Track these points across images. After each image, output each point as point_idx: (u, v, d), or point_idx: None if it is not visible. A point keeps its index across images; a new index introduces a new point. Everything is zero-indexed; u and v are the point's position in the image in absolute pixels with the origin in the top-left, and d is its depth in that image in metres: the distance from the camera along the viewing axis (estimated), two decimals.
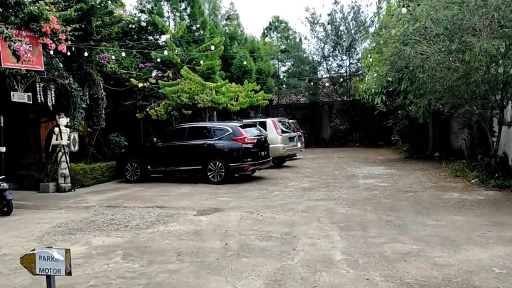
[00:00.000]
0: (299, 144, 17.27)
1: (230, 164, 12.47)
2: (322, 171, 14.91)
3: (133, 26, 17.09)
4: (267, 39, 29.87)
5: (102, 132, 15.37)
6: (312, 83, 27.53)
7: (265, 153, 13.33)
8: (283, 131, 16.21)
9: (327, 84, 28.62)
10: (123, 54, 15.96)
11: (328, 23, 25.79)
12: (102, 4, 13.39)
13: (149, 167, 13.49)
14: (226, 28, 22.70)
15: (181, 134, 13.35)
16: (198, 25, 17.92)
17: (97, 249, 6.35)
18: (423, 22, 10.34)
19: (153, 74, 16.91)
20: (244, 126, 13.05)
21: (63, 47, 11.72)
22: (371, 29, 25.14)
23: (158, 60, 16.65)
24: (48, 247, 2.92)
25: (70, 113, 13.21)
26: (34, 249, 2.95)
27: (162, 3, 17.55)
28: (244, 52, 21.34)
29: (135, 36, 17.10)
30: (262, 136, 13.32)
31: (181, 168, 13.10)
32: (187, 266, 5.40)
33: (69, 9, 12.25)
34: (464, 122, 12.99)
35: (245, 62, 20.64)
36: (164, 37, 17.91)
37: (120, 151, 14.60)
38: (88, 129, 14.70)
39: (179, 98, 15.58)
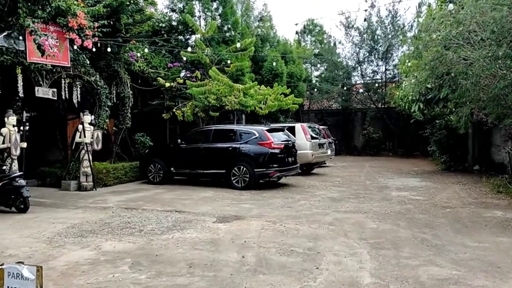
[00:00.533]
0: (329, 151, 16.57)
1: (255, 170, 11.94)
2: (352, 181, 14.17)
3: (163, 25, 16.87)
4: (300, 43, 29.26)
5: (128, 131, 15.20)
6: (345, 89, 26.70)
7: (293, 159, 12.73)
8: (312, 137, 15.55)
9: (361, 91, 27.72)
10: (149, 52, 15.75)
11: (364, 28, 24.93)
12: (132, 1, 13.17)
13: (172, 169, 13.13)
14: (259, 29, 22.22)
15: (206, 136, 12.94)
16: (229, 25, 17.52)
17: (106, 255, 5.94)
18: (467, 25, 9.54)
19: (182, 74, 16.60)
20: (271, 131, 12.51)
21: (89, 43, 11.53)
22: (410, 34, 24.15)
23: (187, 60, 16.35)
24: (18, 262, 2.48)
25: (96, 111, 13.03)
26: (3, 264, 2.51)
27: (193, 2, 17.24)
28: (276, 54, 20.80)
29: (165, 35, 16.85)
30: (289, 142, 12.73)
31: (205, 172, 12.68)
32: (197, 281, 4.89)
33: (97, 5, 12.09)
34: (509, 134, 11.98)
35: (275, 64, 20.07)
36: (194, 37, 17.61)
37: (144, 151, 14.30)
38: (114, 128, 14.49)
39: (206, 99, 15.20)
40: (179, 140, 13.24)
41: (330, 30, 45.54)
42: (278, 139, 12.47)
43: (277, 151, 12.14)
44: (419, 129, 22.45)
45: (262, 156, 12.05)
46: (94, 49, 11.93)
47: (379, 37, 25.11)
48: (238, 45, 15.24)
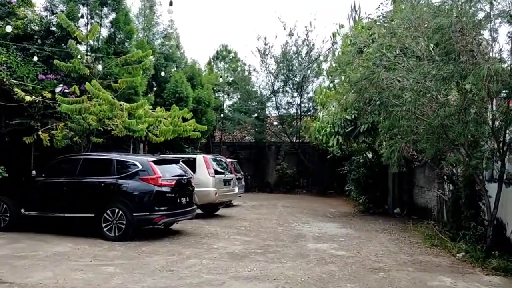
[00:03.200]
0: (236, 189, 14.02)
1: (135, 214, 8.97)
2: (261, 226, 11.67)
3: (37, 28, 13.54)
4: (213, 69, 27.03)
5: None
6: (259, 120, 24.72)
7: (187, 200, 9.95)
8: (217, 172, 12.93)
9: (275, 123, 25.97)
10: (15, 59, 12.36)
11: (280, 56, 23.38)
12: None
13: (22, 210, 9.69)
14: (163, 47, 19.61)
15: (72, 167, 9.73)
16: (122, 35, 14.62)
17: None
18: (402, 37, 7.72)
19: (58, 89, 13.21)
20: (160, 162, 9.68)
21: None
22: (325, 66, 23.02)
23: (66, 72, 13.13)
24: None
25: None
26: None
27: (78, 5, 14.15)
28: (181, 76, 18.17)
29: (39, 41, 13.51)
30: (184, 177, 9.97)
31: (66, 215, 9.41)
32: None
33: None
34: (441, 174, 10.34)
35: (178, 86, 17.40)
36: (81, 47, 14.43)
37: None
38: None
39: (84, 120, 12.04)
40: (34, 172, 9.90)
41: (245, 58, 43.63)
42: (168, 173, 9.67)
43: (166, 189, 9.32)
44: (334, 165, 20.98)
45: (144, 196, 9.14)
46: None
47: (295, 67, 23.67)
48: (139, 55, 12.38)
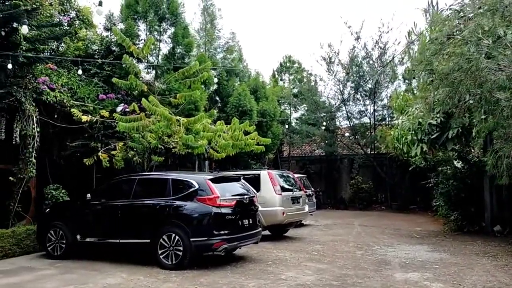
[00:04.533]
0: (306, 208, 12.66)
1: (192, 239, 7.98)
2: (337, 250, 10.22)
3: (96, 47, 13.36)
4: (277, 81, 26.12)
5: (38, 182, 11.36)
6: (329, 132, 23.20)
7: (251, 222, 8.82)
8: (284, 189, 11.71)
9: (347, 134, 24.28)
10: (76, 80, 12.18)
11: (348, 63, 21.84)
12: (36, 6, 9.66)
13: (78, 236, 9.10)
14: (225, 61, 18.97)
15: (126, 189, 9.01)
16: (181, 49, 14.06)
17: None
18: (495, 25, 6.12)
19: (119, 108, 12.87)
20: (218, 180, 8.66)
21: None
22: (401, 69, 21.11)
23: (126, 91, 12.77)
24: None
25: None
26: None
27: (137, 22, 13.84)
28: (244, 88, 17.32)
29: (99, 61, 13.31)
30: (246, 196, 8.86)
31: (121, 241, 8.67)
32: None
33: None
34: None
35: (241, 99, 16.51)
36: (141, 65, 14.09)
37: (44, 210, 10.24)
38: (11, 178, 10.54)
39: (144, 138, 11.47)
40: (88, 195, 9.30)
41: (311, 68, 41.77)
42: (228, 192, 8.63)
43: (225, 210, 8.27)
44: (416, 178, 18.94)
45: (202, 219, 8.16)
46: None
47: (365, 72, 21.98)
48: (197, 65, 11.64)
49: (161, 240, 8.23)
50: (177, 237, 8.10)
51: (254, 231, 8.95)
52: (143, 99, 10.56)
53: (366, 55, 21.71)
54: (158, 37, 14.09)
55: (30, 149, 10.61)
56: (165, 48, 14.56)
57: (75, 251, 9.24)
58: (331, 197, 24.19)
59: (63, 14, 14.86)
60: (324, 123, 22.55)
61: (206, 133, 10.93)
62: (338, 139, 24.28)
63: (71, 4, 14.77)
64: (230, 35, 20.03)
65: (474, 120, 8.67)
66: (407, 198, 21.56)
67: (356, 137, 23.21)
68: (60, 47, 13.91)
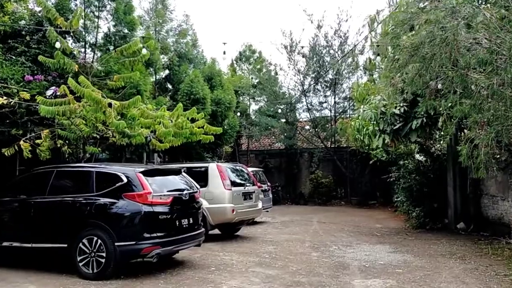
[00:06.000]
0: (259, 204, 11.54)
1: (118, 243, 6.67)
2: (291, 252, 9.15)
3: (25, 23, 11.68)
4: (236, 71, 24.87)
5: None
6: (288, 124, 22.20)
7: (191, 222, 7.59)
8: (234, 184, 10.53)
9: (307, 127, 23.35)
10: None
11: (309, 52, 20.86)
12: None
13: None
14: (178, 45, 17.52)
15: (42, 183, 7.56)
16: (123, 28, 12.55)
17: None
18: None
19: (48, 92, 11.26)
20: (152, 173, 7.38)
21: None
22: (362, 58, 20.36)
23: (55, 71, 11.20)
24: None
25: None
26: None
27: None
28: (196, 74, 15.95)
29: (27, 38, 11.65)
30: (186, 192, 7.60)
31: (33, 246, 7.24)
32: None
33: None
34: None
35: (195, 87, 15.14)
36: (75, 45, 12.49)
37: None
38: None
39: (75, 125, 9.99)
40: None
41: (270, 57, 39.91)
42: (164, 188, 7.36)
43: (159, 208, 7.00)
44: (376, 172, 18.28)
45: (129, 219, 6.87)
46: None
47: (326, 63, 21.07)
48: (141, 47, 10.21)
49: (80, 244, 6.87)
50: (99, 241, 6.76)
51: (196, 232, 7.72)
52: (69, 79, 9.11)
53: (327, 44, 20.80)
54: (96, 13, 12.51)
55: None
56: (105, 26, 13.02)
57: None
58: (290, 192, 23.28)
59: None
60: (284, 115, 21.57)
61: (144, 119, 9.56)
62: (298, 132, 23.35)
63: None
64: (183, 17, 18.66)
65: (440, 108, 7.79)
66: (367, 193, 20.92)
67: (317, 130, 22.34)
68: None
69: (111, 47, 12.50)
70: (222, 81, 18.25)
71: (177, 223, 7.28)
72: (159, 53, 15.69)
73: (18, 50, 11.67)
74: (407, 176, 13.05)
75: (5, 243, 7.49)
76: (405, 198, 13.33)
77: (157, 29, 16.69)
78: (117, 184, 7.01)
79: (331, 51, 20.87)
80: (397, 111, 10.64)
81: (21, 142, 9.95)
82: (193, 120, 11.16)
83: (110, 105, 8.88)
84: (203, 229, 8.07)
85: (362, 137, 12.08)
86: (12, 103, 9.62)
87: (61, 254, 7.15)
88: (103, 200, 6.98)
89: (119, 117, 9.11)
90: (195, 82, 15.58)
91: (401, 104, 10.61)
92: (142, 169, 7.23)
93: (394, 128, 10.81)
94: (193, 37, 18.46)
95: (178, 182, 7.89)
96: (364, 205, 20.23)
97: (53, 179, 7.52)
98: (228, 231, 11.11)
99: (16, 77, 11.13)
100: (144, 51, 9.99)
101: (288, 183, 23.54)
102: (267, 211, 14.95)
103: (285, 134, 22.46)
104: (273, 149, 25.23)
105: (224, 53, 9.29)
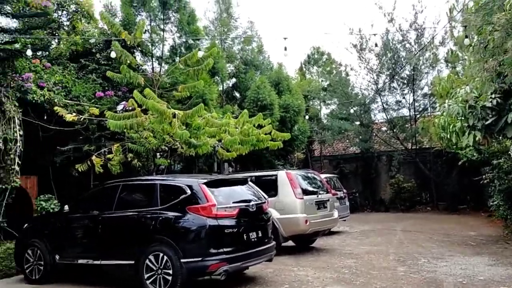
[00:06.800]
0: (335, 213, 10.71)
1: (183, 260, 6.28)
2: (373, 266, 8.25)
3: (94, 42, 11.99)
4: (305, 75, 24.17)
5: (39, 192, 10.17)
6: (363, 127, 21.03)
7: (260, 235, 7.03)
8: (306, 192, 9.83)
9: (384, 128, 21.97)
10: (70, 77, 10.86)
11: (382, 48, 19.59)
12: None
13: (57, 256, 7.60)
14: (243, 52, 17.26)
15: (109, 198, 7.43)
16: (187, 39, 12.46)
17: None
18: None
19: (119, 107, 11.45)
20: (215, 184, 6.95)
21: None
22: (443, 50, 18.77)
23: (124, 86, 11.34)
24: None
25: None
26: None
27: (138, 9, 12.34)
28: (262, 81, 15.52)
29: (97, 55, 11.95)
30: (253, 203, 7.06)
31: (102, 263, 7.10)
32: None
33: None
34: None
35: (261, 93, 14.71)
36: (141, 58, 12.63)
37: (25, 227, 8.75)
38: None
39: (143, 138, 9.95)
40: (66, 207, 7.82)
41: (340, 58, 38.12)
42: (230, 199, 6.90)
43: (225, 222, 6.54)
44: (465, 174, 16.61)
45: (194, 234, 6.48)
46: None
47: (402, 58, 19.67)
48: (200, 54, 10.01)
49: (147, 261, 6.58)
50: (165, 257, 6.42)
51: (266, 246, 7.15)
52: (134, 91, 9.05)
53: (402, 38, 19.43)
54: (162, 26, 12.55)
55: (12, 156, 9.28)
56: (170, 39, 13.05)
57: (53, 276, 7.75)
58: (369, 199, 22.03)
59: (61, 9, 13.74)
60: (357, 117, 20.49)
61: (209, 128, 9.23)
62: (374, 134, 22.06)
63: None
64: (248, 24, 18.37)
65: None
66: (455, 197, 19.06)
67: (395, 131, 20.90)
68: (54, 42, 12.73)
69: (177, 59, 12.46)
70: (290, 85, 17.69)
71: (245, 236, 6.76)
72: (225, 61, 15.55)
73: (89, 68, 12.01)
74: (503, 177, 11.51)
75: (80, 261, 7.40)
76: (502, 202, 11.75)
77: (222, 38, 16.58)
78: (181, 197, 6.66)
79: (407, 45, 19.45)
80: (488, 104, 9.34)
81: (93, 157, 10.11)
82: (259, 127, 10.67)
83: (174, 115, 8.65)
84: (273, 243, 7.48)
85: (448, 136, 10.80)
86: (82, 119, 9.77)
87: (129, 272, 6.91)
88: (167, 214, 6.66)
89: (184, 127, 8.85)
90: (262, 88, 15.17)
91: (493, 96, 9.31)
92: (206, 180, 6.82)
93: (486, 123, 9.49)
94: (258, 43, 18.15)
95: (245, 192, 7.39)
96: (453, 210, 18.45)
97: (119, 194, 7.35)
98: (303, 243, 10.42)
99: (88, 94, 11.44)
100: (200, 53, 9.69)
101: (366, 189, 22.32)
102: (344, 220, 14.02)
103: (360, 137, 21.30)
104: (347, 153, 24.11)
105: (286, 49, 8.74)
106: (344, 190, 14.57)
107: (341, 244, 11.13)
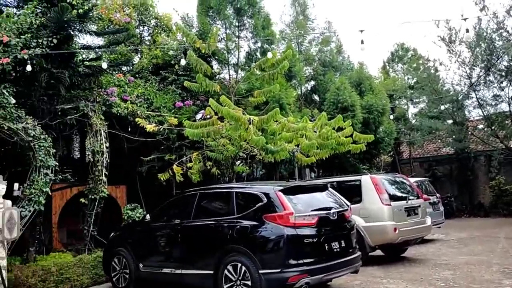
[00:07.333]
0: (428, 220, 9.77)
1: (262, 271, 6.00)
2: (474, 279, 7.32)
3: (173, 53, 12.30)
4: (388, 73, 22.92)
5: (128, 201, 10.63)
6: (456, 125, 19.35)
7: (343, 245, 6.53)
8: (394, 198, 9.08)
9: (480, 126, 20.03)
10: (151, 89, 11.21)
11: (474, 39, 17.89)
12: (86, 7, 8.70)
13: (140, 265, 7.73)
14: (320, 54, 16.74)
15: (188, 207, 7.39)
16: (262, 43, 12.30)
17: None
18: None
19: (198, 116, 11.58)
20: (293, 191, 6.58)
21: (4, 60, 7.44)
22: None
23: (203, 94, 11.46)
24: None
25: (29, 176, 8.43)
26: None
27: (213, 18, 12.45)
28: (342, 81, 14.86)
29: (176, 67, 12.24)
30: (334, 211, 6.59)
31: (182, 272, 7.04)
32: None
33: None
34: None
35: (341, 95, 14.06)
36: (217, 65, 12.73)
37: (112, 236, 9.04)
38: (83, 199, 9.73)
39: (221, 146, 9.92)
40: (148, 216, 7.95)
41: (427, 53, 35.29)
42: (308, 206, 6.50)
43: (304, 231, 6.15)
44: None
45: (272, 244, 6.16)
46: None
47: (498, 48, 17.79)
48: (270, 55, 9.79)
49: (226, 271, 6.40)
50: (243, 268, 6.19)
51: (350, 257, 6.64)
52: (210, 99, 9.03)
53: (497, 26, 17.58)
54: (237, 33, 12.53)
55: (99, 167, 9.71)
56: (246, 45, 13.01)
57: (138, 284, 7.88)
58: (466, 203, 20.19)
59: (143, 25, 14.36)
60: (450, 115, 18.91)
61: (285, 133, 8.90)
62: (470, 133, 20.20)
63: (150, 13, 14.18)
64: (325, 24, 17.82)
65: None
66: None
67: (493, 128, 18.92)
68: (137, 57, 13.30)
69: (253, 65, 12.36)
70: (373, 85, 16.79)
71: (326, 247, 6.30)
72: (303, 64, 15.19)
73: (169, 79, 12.32)
74: None
75: (165, 270, 7.40)
76: None
77: (299, 41, 16.25)
78: (257, 205, 6.40)
79: (504, 34, 17.55)
80: None
81: (174, 166, 10.28)
82: (339, 130, 10.12)
83: (250, 121, 8.47)
84: (359, 253, 6.92)
85: None
86: (161, 129, 9.99)
87: (208, 282, 6.76)
88: (244, 222, 6.43)
89: (259, 133, 8.63)
90: (342, 89, 14.52)
91: None
92: (282, 187, 6.49)
93: None
94: (337, 44, 17.53)
95: (324, 199, 6.94)
96: None
97: (197, 202, 7.29)
98: (392, 253, 9.65)
99: (168, 104, 11.72)
100: (269, 55, 9.39)
101: (462, 192, 20.49)
102: (439, 227, 12.85)
103: (454, 136, 19.60)
104: (440, 154, 22.36)
105: (362, 42, 8.14)
106: (438, 195, 13.40)
107: (436, 253, 10.15)
